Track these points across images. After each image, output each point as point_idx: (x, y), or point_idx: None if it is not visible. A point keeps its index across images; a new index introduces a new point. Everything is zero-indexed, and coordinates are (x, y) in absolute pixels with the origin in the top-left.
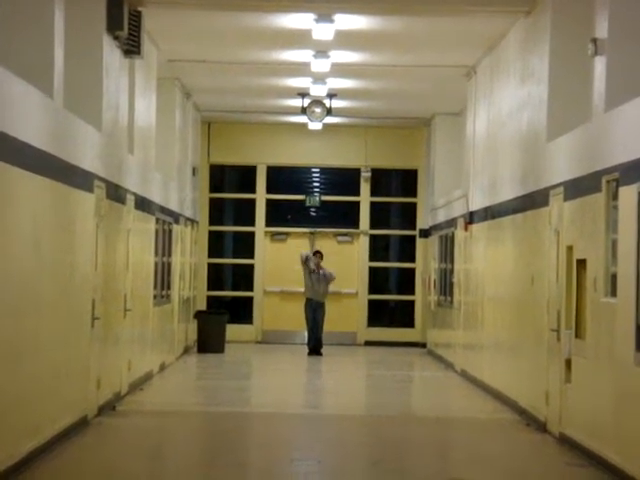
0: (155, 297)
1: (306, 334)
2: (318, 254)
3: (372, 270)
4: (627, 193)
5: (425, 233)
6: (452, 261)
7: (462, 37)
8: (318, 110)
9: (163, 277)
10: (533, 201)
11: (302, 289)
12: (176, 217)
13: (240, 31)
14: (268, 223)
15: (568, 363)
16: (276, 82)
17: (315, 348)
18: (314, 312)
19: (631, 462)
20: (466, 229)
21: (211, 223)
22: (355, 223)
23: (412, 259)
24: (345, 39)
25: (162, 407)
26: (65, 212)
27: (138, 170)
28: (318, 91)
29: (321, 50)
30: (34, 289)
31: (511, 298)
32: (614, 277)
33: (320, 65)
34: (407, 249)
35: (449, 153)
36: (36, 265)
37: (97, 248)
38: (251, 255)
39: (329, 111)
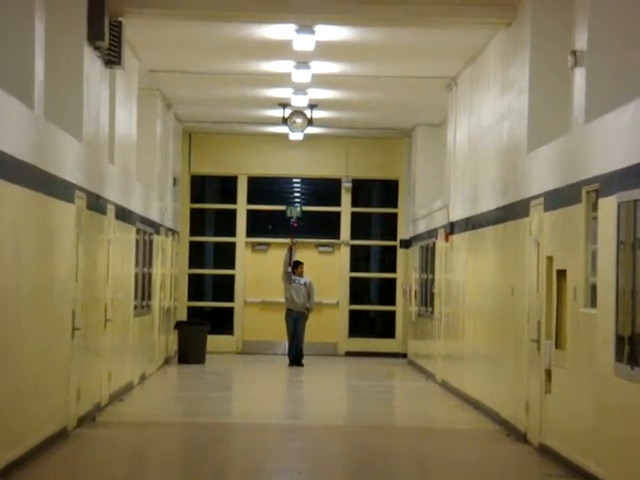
0: (136, 308)
1: (287, 345)
2: (300, 265)
3: (353, 280)
4: (607, 204)
5: (406, 244)
6: (433, 272)
7: (443, 48)
8: (299, 120)
9: (144, 287)
10: (513, 212)
11: (283, 299)
12: (157, 227)
13: (221, 42)
14: (249, 234)
15: (548, 373)
16: (257, 93)
17: (296, 359)
18: (294, 323)
19: (611, 472)
20: (447, 240)
21: (192, 233)
22: (336, 233)
23: (393, 269)
24: (326, 50)
25: (142, 418)
26: (45, 222)
27: (119, 180)
28: (299, 102)
29: (302, 61)
30: (14, 300)
31: (491, 308)
32: (594, 288)
33: (301, 76)
34: (388, 259)
35: (430, 164)
36: (16, 275)
37: (78, 258)
38: (232, 266)
39: (310, 122)
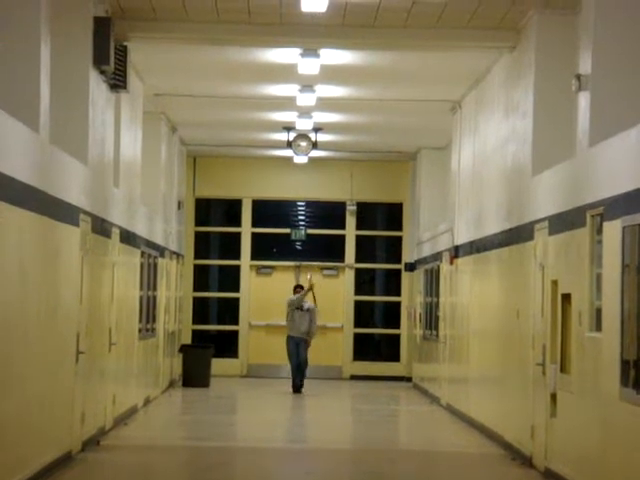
0: (140, 331)
1: (290, 370)
2: (299, 288)
3: (357, 304)
4: (611, 228)
5: (411, 267)
6: (438, 295)
7: (447, 72)
8: (304, 144)
9: (148, 311)
10: (518, 235)
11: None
12: (161, 251)
13: (226, 65)
14: (254, 257)
15: (553, 397)
16: (262, 116)
17: (299, 385)
18: (296, 346)
19: None
20: (451, 263)
21: (196, 257)
22: (340, 256)
23: (398, 293)
24: (331, 74)
25: (147, 442)
26: (51, 246)
27: (124, 204)
28: (304, 125)
29: (307, 84)
30: (19, 323)
31: (496, 332)
32: (599, 311)
33: (306, 99)
34: (393, 283)
35: (434, 187)
36: (21, 299)
37: (82, 282)
38: (236, 289)
39: (315, 145)
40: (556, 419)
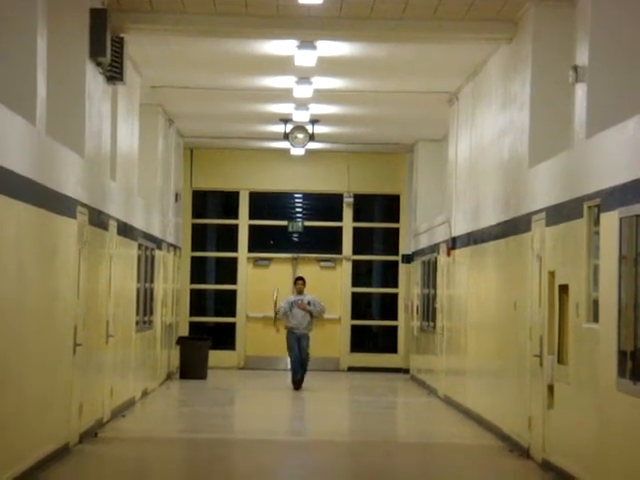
0: (137, 323)
1: (289, 364)
2: (300, 280)
3: (355, 295)
4: (608, 219)
5: (408, 258)
6: (435, 286)
7: (444, 64)
8: (301, 136)
9: (145, 303)
10: (515, 227)
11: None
12: (159, 243)
13: (223, 57)
14: (251, 249)
15: (551, 389)
16: (259, 108)
17: (300, 381)
18: (298, 341)
19: None
20: (449, 254)
21: (194, 249)
22: (338, 249)
23: (395, 284)
24: (327, 65)
25: (144, 434)
26: (48, 238)
27: (121, 196)
28: (300, 117)
29: (303, 76)
30: (17, 315)
31: (494, 324)
32: (596, 303)
33: (302, 91)
34: (390, 274)
35: (431, 179)
36: (19, 291)
37: (79, 274)
38: (234, 281)
39: (312, 137)
40: (553, 410)
